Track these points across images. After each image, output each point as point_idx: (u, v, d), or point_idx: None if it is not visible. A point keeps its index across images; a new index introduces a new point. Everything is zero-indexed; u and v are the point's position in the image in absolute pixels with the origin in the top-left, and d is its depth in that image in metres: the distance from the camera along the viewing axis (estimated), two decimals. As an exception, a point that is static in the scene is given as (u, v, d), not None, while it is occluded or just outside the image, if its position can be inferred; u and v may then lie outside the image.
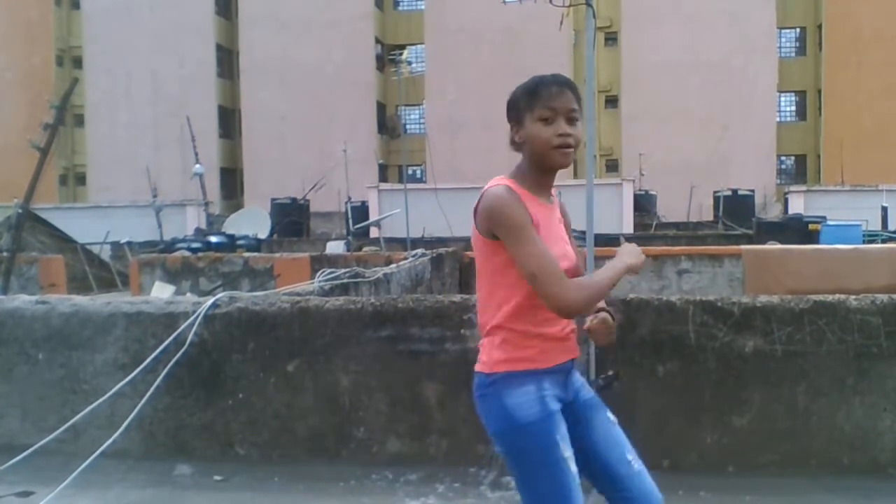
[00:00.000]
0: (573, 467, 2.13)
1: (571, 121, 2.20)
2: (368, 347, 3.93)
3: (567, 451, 2.14)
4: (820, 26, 38.69)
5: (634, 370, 3.73)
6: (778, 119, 38.93)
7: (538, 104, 2.19)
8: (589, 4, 4.55)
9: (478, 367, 2.27)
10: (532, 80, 2.25)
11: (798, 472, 3.65)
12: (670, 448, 3.77)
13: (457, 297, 4.02)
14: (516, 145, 2.26)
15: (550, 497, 2.13)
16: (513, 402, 2.16)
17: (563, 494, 2.12)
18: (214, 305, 4.05)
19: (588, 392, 2.31)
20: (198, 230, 22.85)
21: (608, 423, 2.28)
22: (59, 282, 13.56)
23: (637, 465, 2.25)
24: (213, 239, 17.76)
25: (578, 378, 2.31)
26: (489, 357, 2.23)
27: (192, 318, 3.98)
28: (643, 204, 26.46)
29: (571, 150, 2.20)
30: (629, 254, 2.21)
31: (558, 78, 2.24)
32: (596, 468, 2.23)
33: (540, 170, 2.25)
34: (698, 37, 36.17)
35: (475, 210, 2.21)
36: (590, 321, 2.29)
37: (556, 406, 2.18)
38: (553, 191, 2.34)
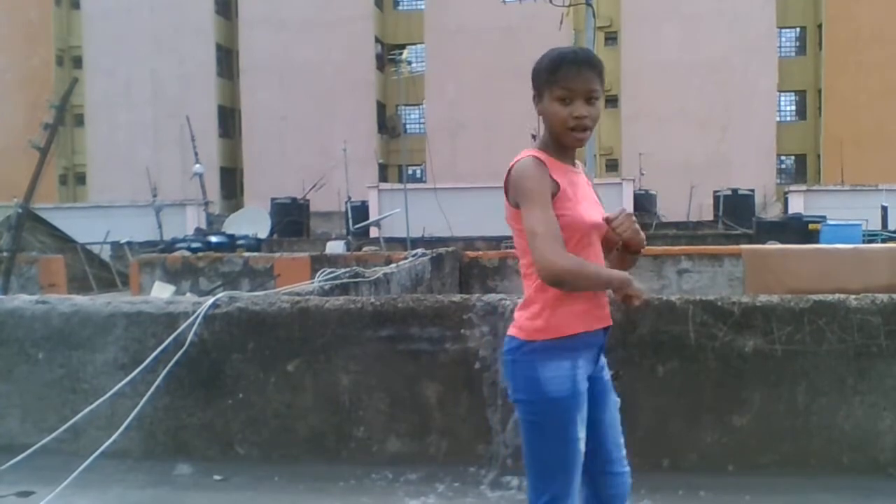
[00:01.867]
0: (582, 448, 2.22)
1: (590, 101, 2.21)
2: (368, 347, 3.93)
3: (582, 433, 2.22)
4: (820, 26, 38.69)
5: (634, 370, 3.73)
6: (778, 119, 38.93)
7: (557, 83, 2.20)
8: (589, 4, 4.56)
9: (513, 332, 2.28)
10: (555, 55, 2.24)
11: (798, 471, 3.65)
12: (670, 447, 3.77)
13: (457, 297, 4.02)
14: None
15: (556, 470, 2.21)
16: (547, 375, 2.18)
17: (569, 470, 2.21)
18: (214, 305, 4.05)
19: (607, 373, 2.38)
20: (198, 230, 22.85)
21: (615, 408, 2.37)
22: (59, 282, 13.56)
23: (623, 449, 2.37)
24: (213, 239, 17.76)
25: (601, 358, 2.36)
26: (529, 324, 2.24)
27: (192, 318, 3.98)
28: (643, 203, 26.45)
29: (587, 131, 2.22)
30: (633, 281, 2.23)
31: (579, 56, 2.23)
32: (592, 444, 2.30)
33: (556, 141, 2.27)
34: (698, 36, 36.17)
35: (505, 183, 2.25)
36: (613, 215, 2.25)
37: (584, 386, 2.23)
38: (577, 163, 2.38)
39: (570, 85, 2.18)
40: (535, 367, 2.19)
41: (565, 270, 2.09)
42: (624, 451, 2.37)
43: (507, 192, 2.25)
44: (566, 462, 2.20)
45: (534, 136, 19.49)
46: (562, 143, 2.25)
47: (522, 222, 2.16)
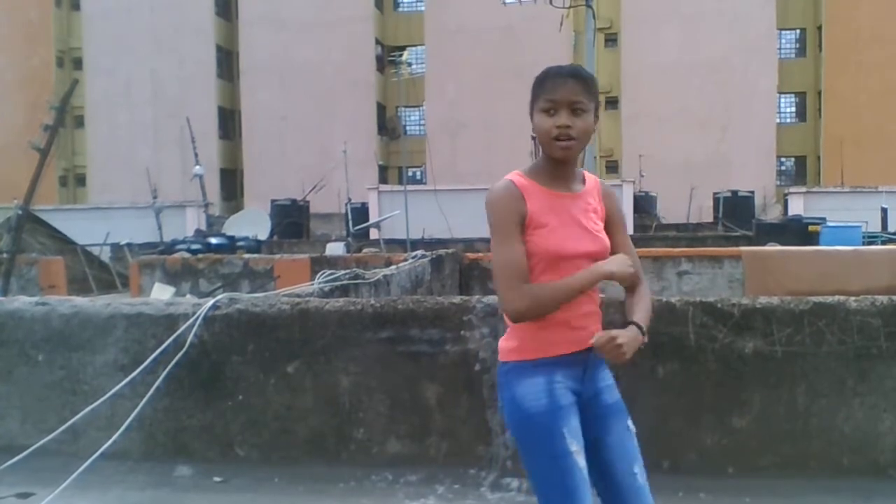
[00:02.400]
0: (581, 461, 2.14)
1: (576, 112, 2.19)
2: (368, 349, 3.93)
3: (574, 445, 2.14)
4: (820, 27, 38.71)
5: (634, 371, 3.73)
6: (778, 120, 38.95)
7: (542, 95, 2.21)
8: (589, 6, 4.56)
9: (499, 356, 2.29)
10: (544, 70, 2.27)
11: (798, 473, 3.65)
12: (670, 449, 3.76)
13: (457, 299, 4.02)
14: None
15: (556, 488, 2.14)
16: (521, 392, 2.17)
17: (568, 486, 2.13)
18: (214, 307, 4.05)
19: (614, 396, 2.29)
20: (198, 231, 22.85)
21: (625, 433, 2.27)
22: (59, 283, 13.56)
23: (641, 479, 2.25)
24: (213, 240, 17.74)
25: (605, 377, 2.29)
26: (504, 345, 2.25)
27: (191, 320, 3.98)
28: (643, 205, 26.48)
29: (572, 141, 2.20)
30: (615, 262, 2.23)
31: (564, 69, 2.25)
32: (600, 472, 2.23)
33: (550, 160, 2.26)
34: (698, 38, 36.20)
35: None
36: (596, 337, 2.12)
37: (567, 399, 2.18)
38: (592, 177, 2.35)
39: (554, 96, 2.19)
40: (511, 386, 2.19)
41: (524, 307, 2.10)
42: (640, 481, 2.24)
43: None
44: (566, 479, 2.13)
45: (533, 138, 19.49)
46: (549, 154, 2.24)
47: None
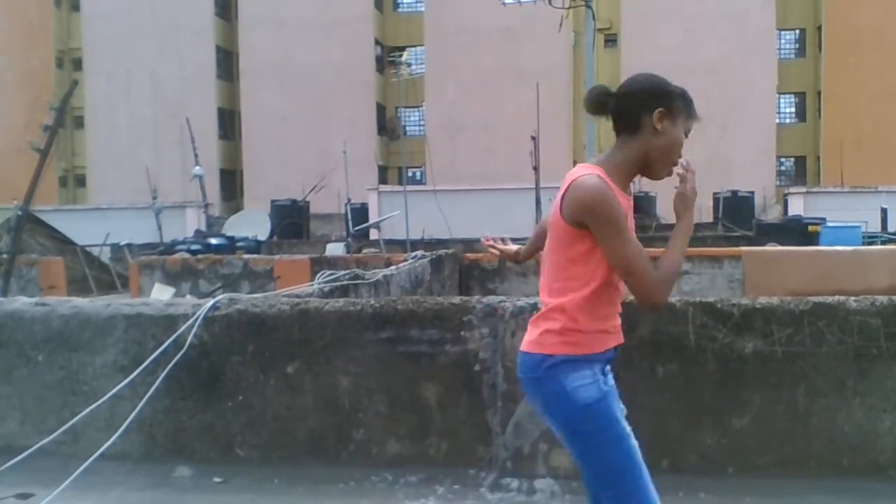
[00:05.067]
0: (635, 443, 2.23)
1: None
2: (368, 349, 3.93)
3: (628, 428, 2.23)
4: (819, 28, 38.71)
5: (634, 371, 3.73)
6: (777, 120, 38.95)
7: (692, 118, 2.24)
8: (588, 6, 4.56)
9: (531, 348, 2.26)
10: (683, 90, 2.26)
11: (798, 473, 3.65)
12: (670, 449, 3.76)
13: (456, 299, 4.02)
14: (635, 128, 2.21)
15: (626, 468, 2.19)
16: (574, 385, 2.19)
17: (636, 463, 2.20)
18: (214, 307, 4.05)
19: (612, 379, 2.38)
20: (197, 232, 22.85)
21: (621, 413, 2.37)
22: (59, 284, 13.55)
23: None
24: (213, 241, 17.75)
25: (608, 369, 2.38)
26: (547, 339, 2.22)
27: (191, 320, 3.98)
28: (643, 205, 26.42)
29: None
30: (682, 204, 2.27)
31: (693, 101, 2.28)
32: None
33: (639, 168, 2.25)
34: (698, 38, 36.20)
35: (562, 195, 2.19)
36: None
37: (608, 386, 2.25)
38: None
39: (692, 125, 2.23)
40: (559, 380, 2.19)
41: (665, 299, 2.17)
42: None
43: (562, 203, 2.18)
44: (633, 457, 2.20)
45: (533, 138, 19.49)
46: (654, 170, 2.24)
47: (606, 253, 2.14)
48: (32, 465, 3.73)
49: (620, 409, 2.25)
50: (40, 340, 4.16)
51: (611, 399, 2.22)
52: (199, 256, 11.41)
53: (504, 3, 19.34)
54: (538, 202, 18.29)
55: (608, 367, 2.34)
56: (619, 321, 2.31)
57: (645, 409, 3.74)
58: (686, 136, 2.21)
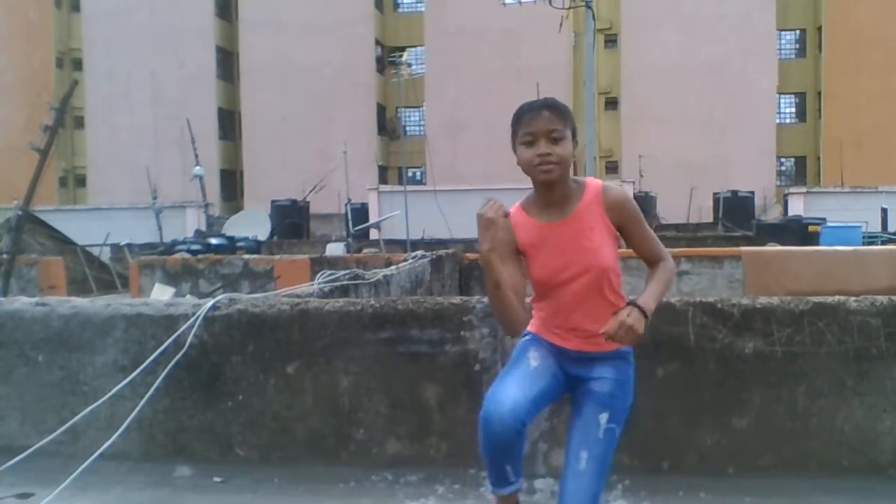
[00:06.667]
0: (532, 363, 2.49)
1: (554, 140, 2.40)
2: (368, 349, 3.93)
3: (533, 356, 2.52)
4: (820, 28, 38.73)
5: (633, 371, 3.73)
6: (778, 121, 38.98)
7: (520, 130, 2.44)
8: (588, 7, 4.56)
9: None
10: (518, 108, 2.49)
11: (798, 473, 3.65)
12: (670, 449, 3.76)
13: (456, 299, 4.02)
14: None
15: (506, 369, 2.55)
16: (518, 341, 2.66)
17: (511, 367, 2.52)
18: (214, 307, 4.05)
19: (603, 388, 2.51)
20: (198, 232, 22.87)
21: (592, 421, 2.48)
22: (59, 284, 13.56)
23: (584, 465, 2.43)
24: (213, 241, 17.78)
25: (603, 371, 2.53)
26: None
27: (191, 320, 3.98)
28: (643, 205, 26.24)
29: (553, 166, 2.40)
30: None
31: (537, 103, 2.45)
32: (569, 435, 2.51)
33: (537, 188, 2.50)
34: (698, 39, 36.21)
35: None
36: (605, 330, 2.39)
37: (544, 348, 2.55)
38: (595, 187, 2.50)
39: (532, 128, 2.40)
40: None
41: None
42: (582, 466, 2.43)
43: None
44: (510, 366, 2.53)
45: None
46: (535, 182, 2.46)
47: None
48: (32, 464, 3.73)
49: (540, 352, 2.52)
50: (40, 340, 4.16)
51: (532, 343, 2.57)
52: (200, 256, 11.42)
53: (504, 4, 19.36)
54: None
55: (595, 372, 2.54)
56: (577, 335, 2.56)
57: (645, 410, 3.74)
58: (534, 139, 2.40)
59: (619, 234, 2.51)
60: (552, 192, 2.46)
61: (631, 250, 2.57)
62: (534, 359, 2.50)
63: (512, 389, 2.37)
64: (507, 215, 2.45)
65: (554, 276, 2.46)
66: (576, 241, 2.44)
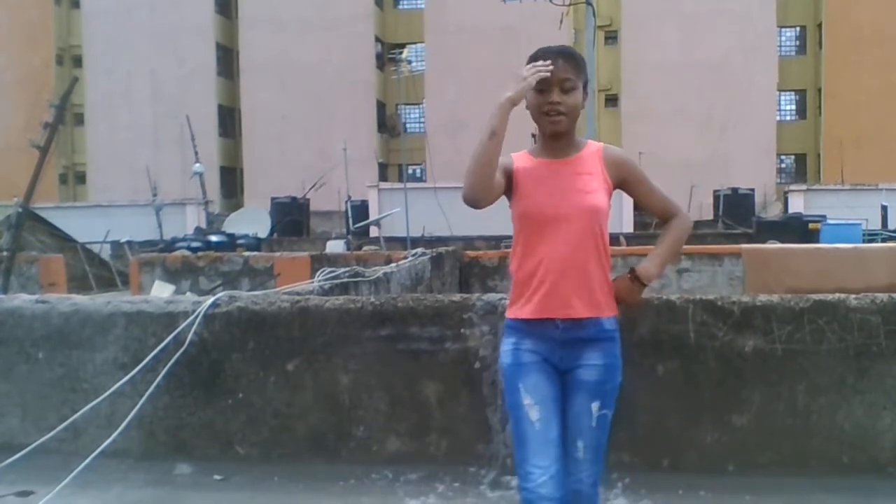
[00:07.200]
0: (533, 414, 2.40)
1: (565, 89, 2.39)
2: (368, 346, 3.93)
3: (528, 399, 2.41)
4: (820, 25, 38.67)
5: (634, 370, 3.71)
6: (778, 118, 38.91)
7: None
8: (589, 3, 4.55)
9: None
10: (534, 52, 2.45)
11: (798, 471, 3.65)
12: (670, 447, 3.77)
13: (457, 297, 4.01)
14: None
15: (515, 431, 2.47)
16: (502, 349, 2.55)
17: (520, 431, 2.43)
18: (214, 305, 4.05)
19: (591, 375, 2.47)
20: (198, 229, 22.86)
21: (585, 410, 2.46)
22: (59, 281, 13.56)
23: (582, 454, 2.45)
24: (213, 238, 17.77)
25: (593, 358, 2.47)
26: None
27: (191, 318, 3.98)
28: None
29: (561, 116, 2.40)
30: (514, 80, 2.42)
31: (552, 49, 2.43)
32: (563, 432, 2.47)
33: (543, 134, 2.50)
34: (698, 36, 36.15)
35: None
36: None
37: (529, 358, 2.45)
38: (597, 145, 2.54)
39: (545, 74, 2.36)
40: (502, 339, 2.57)
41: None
42: (580, 455, 2.45)
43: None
44: (518, 425, 2.43)
45: (534, 136, 19.50)
46: (541, 130, 2.46)
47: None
48: (32, 462, 3.74)
49: (529, 386, 2.42)
50: (40, 338, 4.16)
51: (521, 371, 2.46)
52: (200, 254, 11.42)
53: (505, 1, 19.32)
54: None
55: (585, 359, 2.49)
56: (565, 290, 2.46)
57: (645, 408, 3.74)
58: (546, 86, 2.38)
59: (622, 191, 2.54)
60: (558, 140, 2.48)
61: (628, 249, 2.59)
62: (531, 408, 2.41)
63: (539, 475, 2.34)
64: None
65: (543, 212, 2.43)
66: (572, 181, 2.44)
